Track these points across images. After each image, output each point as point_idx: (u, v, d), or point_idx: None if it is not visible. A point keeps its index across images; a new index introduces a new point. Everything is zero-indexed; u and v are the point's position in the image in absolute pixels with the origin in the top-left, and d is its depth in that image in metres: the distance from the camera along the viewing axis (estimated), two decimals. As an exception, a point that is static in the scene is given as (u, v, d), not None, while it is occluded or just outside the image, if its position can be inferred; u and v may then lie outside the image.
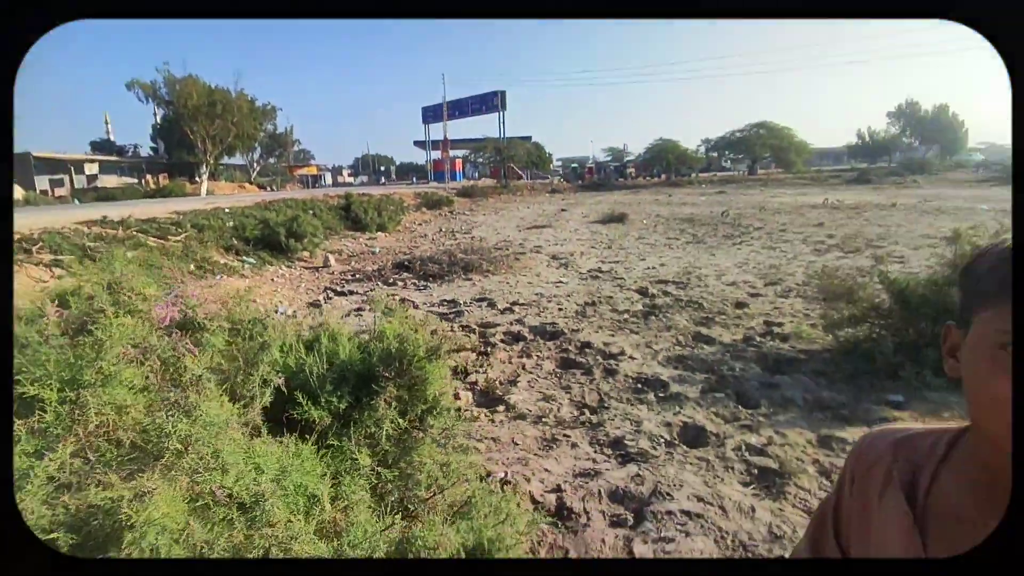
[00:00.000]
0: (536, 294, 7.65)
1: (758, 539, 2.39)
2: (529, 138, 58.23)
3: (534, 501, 2.73)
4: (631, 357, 4.82)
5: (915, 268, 7.14)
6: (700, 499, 2.67)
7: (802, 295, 6.72)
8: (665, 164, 52.11)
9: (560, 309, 6.72)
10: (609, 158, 66.19)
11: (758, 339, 5.13)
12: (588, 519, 2.58)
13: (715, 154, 57.23)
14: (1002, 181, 28.01)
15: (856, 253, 9.58)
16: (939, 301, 4.11)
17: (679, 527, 2.47)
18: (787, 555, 2.25)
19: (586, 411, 3.81)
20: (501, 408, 3.87)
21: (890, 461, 0.76)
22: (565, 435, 3.44)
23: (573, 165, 61.27)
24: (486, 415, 3.77)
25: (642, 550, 2.34)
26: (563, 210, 22.97)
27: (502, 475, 2.95)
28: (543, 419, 3.68)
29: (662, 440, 3.30)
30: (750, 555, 2.29)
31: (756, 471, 2.91)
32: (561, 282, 8.44)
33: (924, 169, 39.46)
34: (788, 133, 50.51)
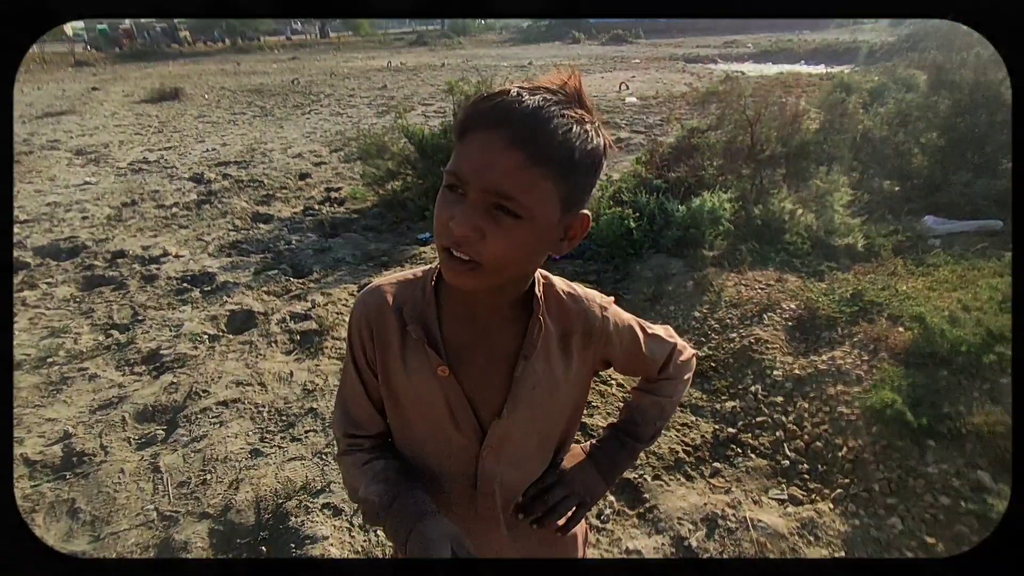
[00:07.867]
0: (48, 204, 5.86)
1: (292, 400, 2.51)
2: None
3: (29, 463, 2.20)
4: (176, 256, 4.22)
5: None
6: (239, 383, 2.62)
7: (362, 158, 7.01)
8: (226, 26, 45.04)
9: (84, 218, 5.34)
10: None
11: (316, 207, 5.17)
12: (107, 454, 2.23)
13: None
14: (518, 42, 34.44)
15: (410, 112, 10.44)
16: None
17: (213, 421, 2.38)
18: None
19: (114, 332, 3.21)
20: (-20, 365, 2.90)
21: (398, 320, 0.74)
22: (81, 369, 2.83)
23: (101, 27, 46.90)
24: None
25: (171, 460, 2.18)
26: (94, 89, 17.74)
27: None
28: (48, 360, 2.93)
29: (205, 337, 3.06)
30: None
31: (299, 337, 3.01)
32: (88, 183, 6.66)
33: (466, 30, 45.00)
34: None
